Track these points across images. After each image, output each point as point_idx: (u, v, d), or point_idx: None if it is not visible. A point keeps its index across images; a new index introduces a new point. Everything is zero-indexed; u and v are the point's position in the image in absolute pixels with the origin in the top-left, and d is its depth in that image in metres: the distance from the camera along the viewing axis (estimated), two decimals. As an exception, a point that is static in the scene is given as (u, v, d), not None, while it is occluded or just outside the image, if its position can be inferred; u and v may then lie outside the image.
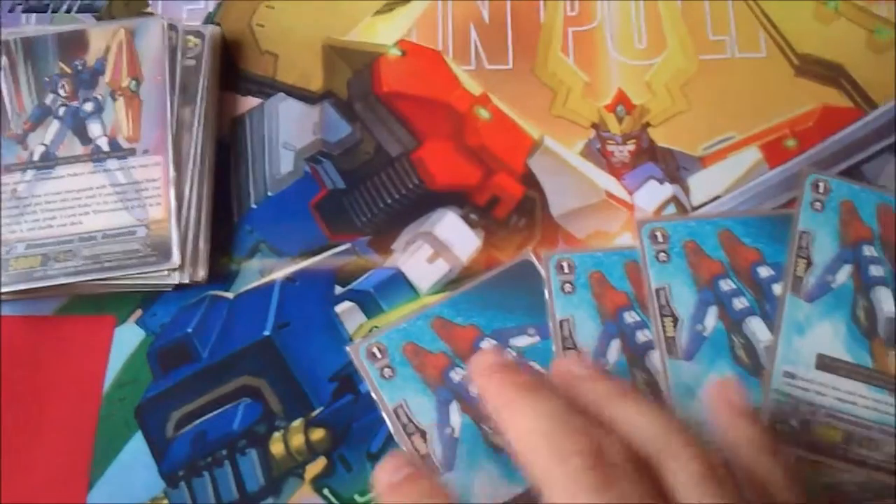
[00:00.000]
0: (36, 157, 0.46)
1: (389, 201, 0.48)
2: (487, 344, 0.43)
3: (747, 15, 0.51)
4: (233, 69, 0.50)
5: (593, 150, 0.48)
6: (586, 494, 0.28)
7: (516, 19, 0.51)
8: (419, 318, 0.44)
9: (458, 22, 0.51)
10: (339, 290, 0.46)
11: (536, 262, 0.45)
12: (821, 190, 0.45)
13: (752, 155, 0.48)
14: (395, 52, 0.51)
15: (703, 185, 0.47)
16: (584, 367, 0.35)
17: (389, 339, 0.44)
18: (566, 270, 0.44)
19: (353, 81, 0.50)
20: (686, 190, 0.47)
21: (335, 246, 0.47)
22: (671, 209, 0.47)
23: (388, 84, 0.50)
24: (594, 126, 0.49)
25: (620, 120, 0.49)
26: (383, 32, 0.51)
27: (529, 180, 0.48)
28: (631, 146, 0.48)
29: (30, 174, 0.46)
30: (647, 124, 0.49)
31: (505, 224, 0.47)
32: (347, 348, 0.44)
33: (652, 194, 0.47)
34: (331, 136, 0.49)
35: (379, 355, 0.43)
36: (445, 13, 0.52)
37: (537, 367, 0.43)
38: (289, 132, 0.49)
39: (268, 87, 0.50)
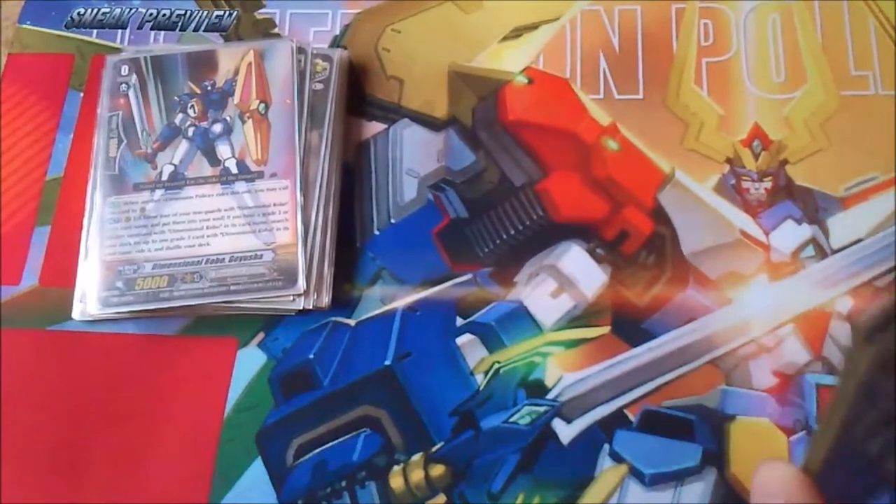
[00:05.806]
0: (165, 177, 0.47)
1: (513, 232, 0.47)
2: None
3: (891, 51, 0.49)
4: (358, 93, 0.50)
5: (727, 185, 0.47)
6: None
7: (647, 48, 0.50)
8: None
9: (586, 49, 0.50)
10: (459, 321, 0.45)
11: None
12: None
13: (896, 197, 0.46)
14: (521, 80, 0.50)
15: (844, 227, 0.45)
16: None
17: None
18: None
19: (479, 109, 0.49)
20: (826, 232, 0.45)
21: (457, 276, 0.46)
22: (809, 251, 0.45)
23: (514, 112, 0.49)
24: (728, 161, 0.47)
25: (756, 156, 0.47)
26: (510, 59, 0.50)
27: (659, 215, 0.46)
28: (767, 183, 0.46)
29: (158, 194, 0.46)
30: (785, 161, 0.47)
31: (633, 260, 0.45)
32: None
33: (789, 235, 0.45)
34: (455, 164, 0.48)
35: None
36: (574, 40, 0.50)
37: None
38: (413, 159, 0.49)
39: (393, 113, 0.50)
